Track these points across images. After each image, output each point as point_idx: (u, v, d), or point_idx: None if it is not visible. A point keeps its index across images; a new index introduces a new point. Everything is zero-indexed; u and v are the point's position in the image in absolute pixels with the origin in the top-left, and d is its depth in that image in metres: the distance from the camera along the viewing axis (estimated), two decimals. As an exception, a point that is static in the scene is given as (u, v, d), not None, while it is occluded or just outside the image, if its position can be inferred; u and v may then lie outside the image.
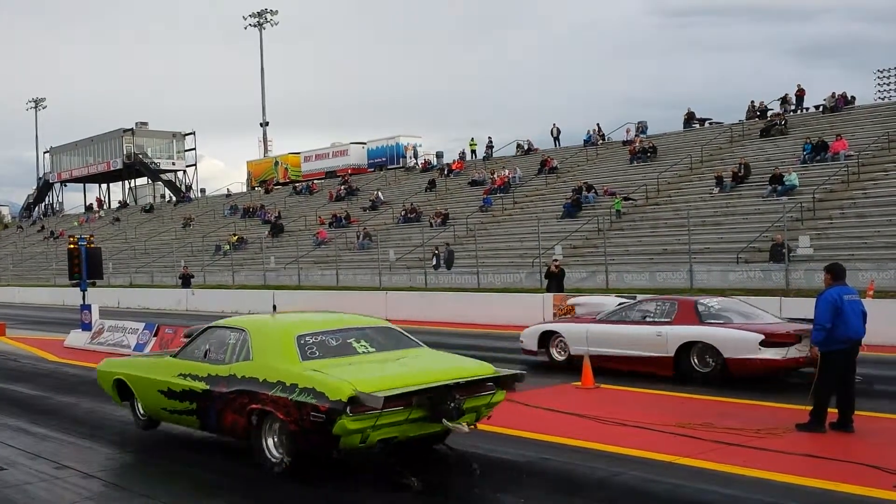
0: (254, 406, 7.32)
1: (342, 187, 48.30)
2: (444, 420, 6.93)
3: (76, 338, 19.09)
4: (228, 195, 60.27)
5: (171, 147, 74.00)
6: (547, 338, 14.07)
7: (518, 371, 8.17)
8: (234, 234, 44.80)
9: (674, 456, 7.77)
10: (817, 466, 7.38)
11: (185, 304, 32.56)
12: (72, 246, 19.40)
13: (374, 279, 30.79)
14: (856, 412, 8.67)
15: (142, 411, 9.24)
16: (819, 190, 26.48)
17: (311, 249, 38.59)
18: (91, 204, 77.65)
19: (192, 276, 36.01)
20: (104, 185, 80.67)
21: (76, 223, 66.69)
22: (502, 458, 7.99)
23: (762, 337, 11.13)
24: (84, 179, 79.01)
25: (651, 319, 12.53)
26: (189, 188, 71.39)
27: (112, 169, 73.56)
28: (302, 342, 7.55)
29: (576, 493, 6.89)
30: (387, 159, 53.75)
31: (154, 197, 72.30)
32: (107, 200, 78.82)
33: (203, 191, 68.82)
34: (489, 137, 47.49)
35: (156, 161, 72.38)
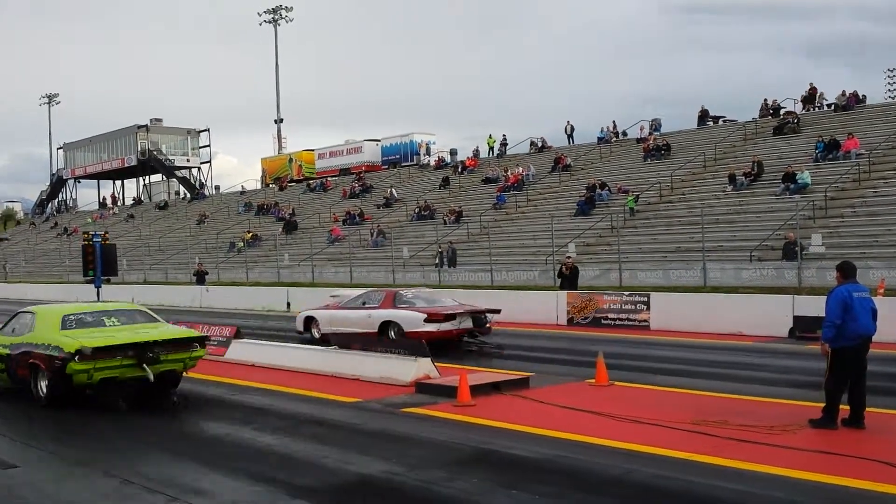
0: (31, 360, 10.94)
1: (356, 184, 48.40)
2: (144, 365, 10.46)
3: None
4: (243, 192, 60.48)
5: (185, 144, 74.31)
6: (309, 321, 18.33)
7: (205, 334, 12.29)
8: (249, 231, 44.97)
9: (688, 453, 7.83)
10: (830, 463, 7.43)
11: (200, 300, 32.69)
12: (86, 242, 19.53)
13: (387, 276, 30.86)
14: (867, 409, 8.71)
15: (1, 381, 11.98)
16: (831, 188, 26.48)
17: (324, 247, 38.68)
18: (105, 200, 78.07)
19: (207, 273, 36.17)
20: (118, 182, 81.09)
21: (90, 220, 67.07)
22: (517, 455, 8.05)
23: (425, 315, 15.90)
24: (98, 176, 79.42)
25: (367, 305, 17.17)
26: (203, 185, 71.71)
27: (126, 165, 73.94)
28: (65, 319, 11.28)
29: (591, 491, 6.94)
30: (401, 156, 53.83)
31: (168, 194, 72.57)
32: (121, 197, 79.24)
33: (217, 188, 69.19)
34: (503, 135, 47.55)
35: (170, 158, 72.74)
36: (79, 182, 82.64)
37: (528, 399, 10.80)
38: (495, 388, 11.35)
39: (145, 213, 64.38)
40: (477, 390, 10.77)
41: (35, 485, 7.46)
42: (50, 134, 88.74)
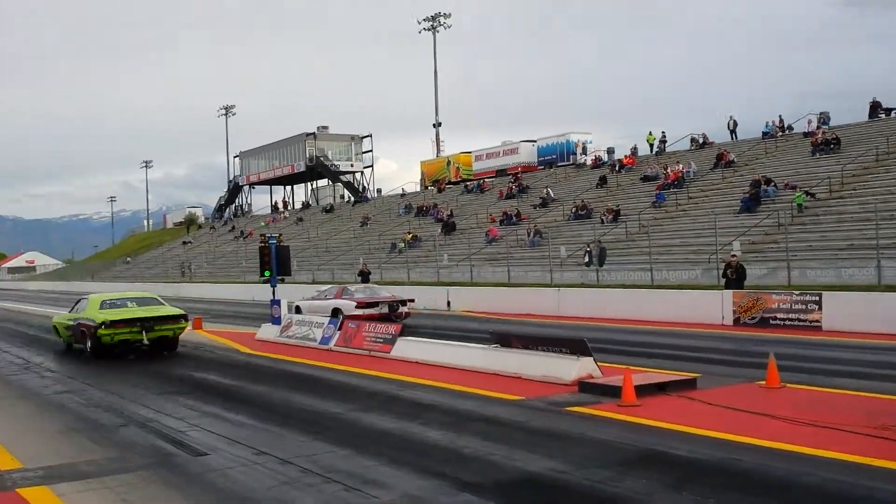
0: (81, 328, 17.17)
1: (513, 185, 48.47)
2: (143, 332, 16.54)
3: (267, 331, 20.07)
4: (403, 195, 61.85)
5: (349, 149, 76.89)
6: (297, 308, 24.60)
7: (185, 313, 17.88)
8: (409, 233, 45.92)
9: (868, 458, 7.43)
10: None
11: (364, 299, 33.60)
12: (262, 244, 20.53)
13: (544, 276, 30.68)
14: None
15: (63, 339, 18.91)
16: None
17: (482, 247, 38.95)
18: (276, 204, 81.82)
19: (370, 273, 37.17)
20: (288, 187, 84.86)
21: (263, 223, 70.45)
22: (684, 457, 7.84)
23: (356, 304, 22.63)
24: (270, 182, 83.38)
25: (326, 297, 24.47)
26: (366, 189, 73.89)
27: (296, 171, 77.29)
28: (102, 303, 17.57)
29: (762, 494, 6.68)
30: (557, 156, 53.45)
31: (334, 197, 75.30)
32: (291, 201, 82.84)
33: (379, 191, 71.04)
34: (662, 132, 46.32)
35: (336, 163, 75.46)
36: (253, 188, 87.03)
37: (696, 400, 10.47)
38: (660, 388, 11.07)
39: (313, 217, 66.95)
40: (641, 390, 10.55)
41: (224, 472, 7.90)
42: (227, 143, 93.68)
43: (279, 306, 20.00)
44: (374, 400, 11.55)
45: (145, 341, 16.94)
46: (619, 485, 7.02)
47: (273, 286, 20.66)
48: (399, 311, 23.04)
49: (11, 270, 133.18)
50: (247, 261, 53.62)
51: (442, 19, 67.86)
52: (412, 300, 23.96)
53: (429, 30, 68.26)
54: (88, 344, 17.03)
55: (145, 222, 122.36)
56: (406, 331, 16.16)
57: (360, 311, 21.88)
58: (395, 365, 14.64)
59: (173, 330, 17.35)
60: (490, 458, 8.11)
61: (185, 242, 78.54)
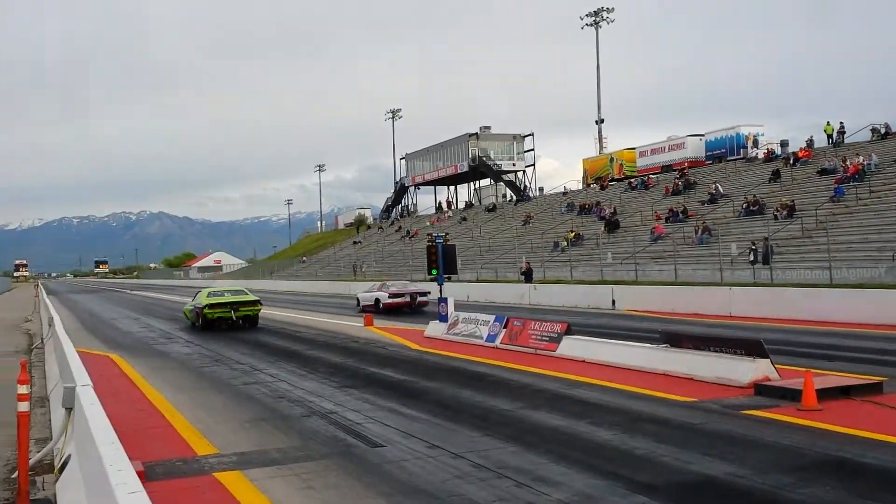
0: (196, 310, 24.92)
1: (679, 181, 47.14)
2: (232, 312, 24.15)
3: (435, 328, 20.47)
4: (565, 193, 61.48)
5: (511, 149, 77.24)
6: (358, 299, 32.85)
7: (258, 298, 26.07)
8: (571, 231, 45.61)
9: None
10: None
11: (528, 298, 33.71)
12: (430, 243, 20.98)
13: (714, 274, 29.68)
14: None
15: (189, 320, 26.04)
16: None
17: (647, 245, 38.12)
18: (440, 204, 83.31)
19: (533, 271, 37.25)
20: (452, 187, 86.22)
21: (428, 223, 71.95)
22: (871, 465, 7.46)
23: (388, 294, 30.13)
24: (434, 182, 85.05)
25: (372, 291, 31.85)
26: (528, 187, 73.97)
27: (459, 172, 78.43)
28: (209, 293, 25.29)
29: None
30: (726, 150, 51.48)
31: (496, 197, 75.89)
32: (454, 201, 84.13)
33: (541, 189, 70.98)
34: (840, 122, 43.67)
35: (498, 162, 76.01)
36: (418, 188, 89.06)
37: (883, 406, 9.85)
38: (844, 392, 10.50)
39: (476, 216, 67.71)
40: (823, 394, 10.05)
41: (400, 463, 8.19)
42: (394, 146, 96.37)
43: (447, 304, 20.33)
44: (542, 398, 11.58)
45: (234, 317, 24.43)
46: (802, 491, 6.74)
47: (440, 284, 21.07)
48: (418, 300, 30.47)
49: (201, 269, 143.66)
50: (413, 259, 54.95)
51: (605, 14, 66.98)
52: (429, 292, 29.50)
53: (591, 25, 67.52)
54: (200, 321, 24.65)
55: (319, 223, 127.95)
56: (572, 329, 16.06)
57: (391, 300, 30.10)
58: (560, 363, 14.61)
59: (252, 311, 24.89)
60: (663, 459, 7.98)
61: (355, 242, 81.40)
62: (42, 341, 21.31)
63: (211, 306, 24.26)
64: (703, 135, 54.56)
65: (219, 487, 7.55)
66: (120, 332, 27.02)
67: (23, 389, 7.35)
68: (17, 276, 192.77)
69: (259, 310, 25.12)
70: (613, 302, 29.27)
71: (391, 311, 29.41)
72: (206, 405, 12.01)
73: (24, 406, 7.28)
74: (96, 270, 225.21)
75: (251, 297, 25.28)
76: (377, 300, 30.43)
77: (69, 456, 7.46)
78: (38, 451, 8.41)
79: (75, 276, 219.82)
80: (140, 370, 16.29)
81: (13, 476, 7.78)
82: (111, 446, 5.48)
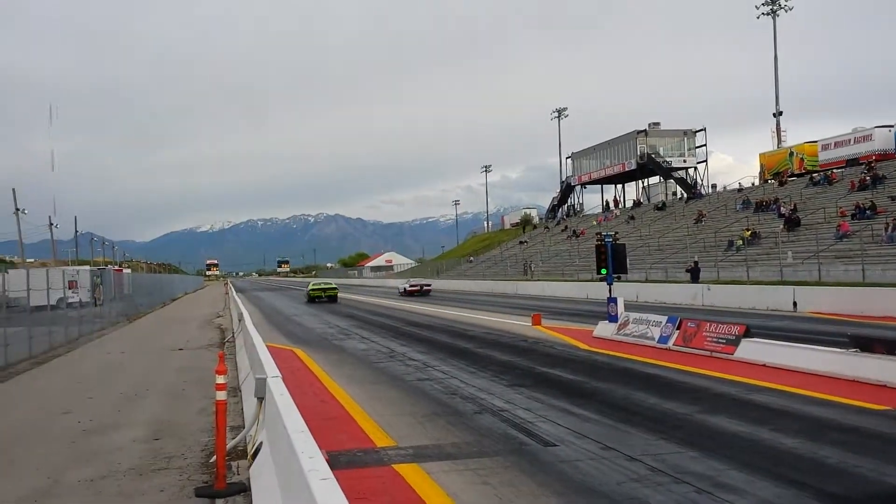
0: (307, 292, 49.66)
1: (866, 175, 44.13)
2: (323, 292, 47.98)
3: (604, 328, 20.16)
4: (740, 189, 58.99)
5: (681, 145, 74.88)
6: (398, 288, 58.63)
7: (336, 285, 53.09)
8: (747, 229, 43.69)
9: None
10: None
11: (701, 299, 32.64)
12: (599, 242, 20.70)
13: (907, 275, 27.60)
14: None
15: (308, 298, 47.99)
16: None
17: (831, 243, 35.94)
18: (607, 204, 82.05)
19: (700, 270, 36.01)
20: (619, 185, 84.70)
21: (594, 222, 71.05)
22: None
23: (409, 285, 55.50)
24: (601, 181, 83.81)
25: (402, 282, 60.22)
26: (699, 184, 71.51)
27: (627, 170, 76.91)
28: (312, 283, 51.69)
29: None
30: (918, 142, 47.73)
31: (666, 194, 73.79)
32: (622, 200, 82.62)
33: (714, 186, 68.41)
34: None
35: (667, 159, 73.87)
36: (584, 187, 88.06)
37: None
38: None
39: (644, 214, 66.19)
40: None
41: (574, 463, 8.14)
42: (559, 145, 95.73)
43: (616, 304, 19.99)
44: (720, 402, 11.19)
45: (324, 296, 45.95)
46: None
47: (609, 284, 20.75)
48: (424, 289, 52.12)
49: (374, 269, 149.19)
50: (580, 259, 54.44)
51: (782, 2, 63.79)
52: (430, 284, 55.23)
53: (768, 14, 64.46)
54: (307, 297, 45.82)
55: (485, 223, 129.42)
56: (751, 332, 15.37)
57: (410, 288, 52.44)
58: (738, 367, 14.04)
59: (332, 292, 46.94)
60: (855, 470, 7.52)
61: (521, 242, 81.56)
62: (233, 335, 22.68)
63: (312, 290, 48.26)
64: (892, 126, 50.80)
65: (398, 479, 7.78)
66: (301, 327, 28.36)
67: (221, 379, 7.85)
68: (208, 275, 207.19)
69: (336, 292, 48.43)
70: (794, 304, 27.81)
71: (411, 295, 51.89)
72: (383, 399, 12.39)
73: (221, 395, 7.77)
74: (278, 269, 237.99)
75: (333, 286, 49.73)
76: (404, 288, 54.46)
77: (261, 443, 7.91)
78: (233, 438, 8.95)
79: (260, 274, 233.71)
80: (321, 364, 17.03)
81: (211, 461, 8.34)
82: (301, 434, 5.77)
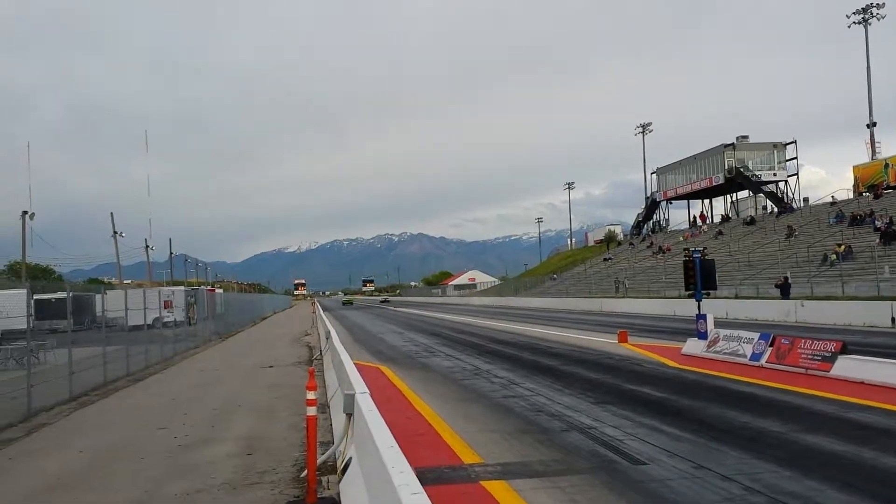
0: (341, 301, 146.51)
1: (969, 186, 42.13)
2: (348, 299, 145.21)
3: (693, 345, 19.77)
4: (833, 203, 57.06)
5: (771, 158, 72.88)
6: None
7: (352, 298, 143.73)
8: (841, 244, 42.18)
9: None
10: None
11: (794, 315, 31.68)
12: (687, 258, 20.34)
13: None
14: None
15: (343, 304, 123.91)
16: None
17: (932, 257, 34.42)
18: (694, 219, 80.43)
19: (790, 286, 34.94)
20: (706, 201, 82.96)
21: (681, 238, 69.69)
22: None
23: (382, 299, 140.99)
24: (688, 196, 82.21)
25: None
26: (790, 198, 69.46)
27: (714, 184, 75.20)
28: (343, 294, 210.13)
29: None
30: None
31: (756, 209, 71.84)
32: (709, 215, 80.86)
33: (806, 200, 66.38)
34: None
35: (756, 173, 72.00)
36: (670, 203, 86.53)
37: None
38: None
39: (733, 230, 64.64)
40: None
41: (665, 482, 7.98)
42: (644, 160, 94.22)
43: (705, 321, 19.57)
44: (817, 420, 10.81)
45: (352, 302, 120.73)
46: None
47: (698, 300, 20.34)
48: (386, 301, 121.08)
49: (457, 287, 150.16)
50: (666, 276, 53.50)
51: (874, 10, 61.71)
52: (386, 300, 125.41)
53: (859, 23, 62.43)
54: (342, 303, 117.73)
55: (568, 241, 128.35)
56: (848, 348, 14.81)
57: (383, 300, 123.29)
58: (835, 384, 13.57)
59: (353, 301, 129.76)
60: (967, 493, 7.14)
61: (605, 259, 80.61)
62: (321, 353, 23.08)
63: (345, 299, 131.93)
64: None
65: (486, 495, 7.75)
66: (386, 345, 28.61)
67: (311, 395, 7.98)
68: (296, 294, 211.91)
69: (352, 300, 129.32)
70: (893, 319, 26.71)
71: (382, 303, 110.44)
72: (469, 416, 12.39)
73: (312, 410, 7.90)
74: (363, 288, 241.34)
75: (352, 298, 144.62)
76: (380, 301, 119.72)
77: (350, 458, 7.99)
78: (323, 454, 9.08)
79: (346, 293, 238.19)
80: (407, 381, 17.16)
81: (302, 475, 8.47)
82: (391, 450, 5.81)
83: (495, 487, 7.99)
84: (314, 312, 61.78)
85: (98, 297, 21.09)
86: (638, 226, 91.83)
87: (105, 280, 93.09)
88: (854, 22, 62.76)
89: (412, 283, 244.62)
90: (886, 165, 56.16)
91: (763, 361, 16.53)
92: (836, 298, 33.27)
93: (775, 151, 72.87)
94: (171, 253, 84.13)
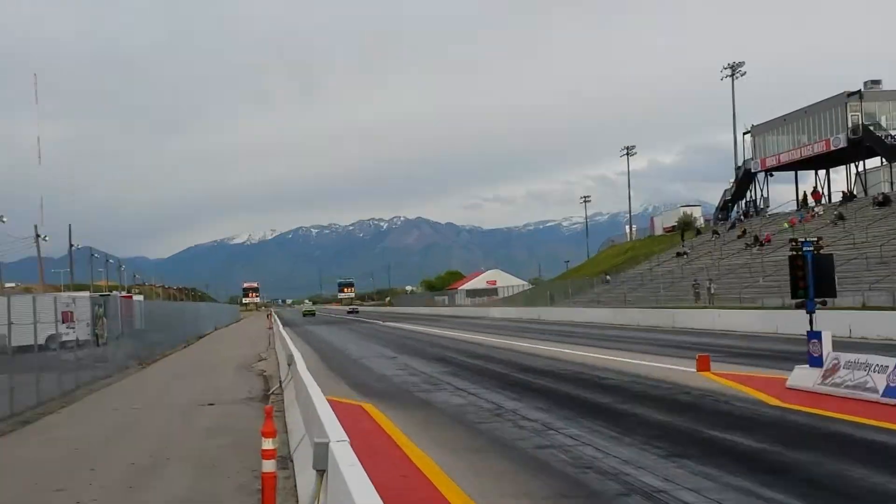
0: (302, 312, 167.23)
1: None
2: (306, 312, 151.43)
3: (803, 375, 19.67)
4: None
5: (914, 112, 72.44)
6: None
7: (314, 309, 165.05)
8: None
9: None
10: None
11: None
12: (794, 252, 20.12)
13: None
14: None
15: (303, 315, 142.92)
16: None
17: None
18: (805, 197, 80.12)
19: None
20: (821, 172, 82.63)
21: (786, 224, 69.50)
22: None
23: (350, 308, 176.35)
24: (795, 165, 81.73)
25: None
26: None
27: (833, 149, 74.64)
28: (304, 309, 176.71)
29: None
30: None
31: (892, 183, 71.35)
32: (825, 192, 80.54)
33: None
34: None
35: (892, 133, 71.37)
36: (770, 175, 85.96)
37: None
38: None
39: (860, 212, 64.47)
40: None
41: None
42: (734, 115, 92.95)
43: (820, 341, 19.48)
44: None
45: (314, 314, 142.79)
46: None
47: (810, 312, 20.25)
48: (356, 311, 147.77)
49: (470, 293, 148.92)
50: (765, 277, 53.42)
51: None
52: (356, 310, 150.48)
53: None
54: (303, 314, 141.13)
55: (626, 228, 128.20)
56: None
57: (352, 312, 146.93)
58: None
59: (315, 313, 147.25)
60: None
61: (679, 254, 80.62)
62: (280, 385, 23.13)
63: (305, 312, 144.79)
64: None
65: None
66: (372, 374, 28.66)
67: (268, 444, 8.02)
68: (246, 303, 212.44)
69: (315, 311, 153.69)
70: None
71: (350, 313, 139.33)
72: (489, 473, 12.43)
73: (269, 465, 7.94)
74: (340, 295, 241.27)
75: (313, 309, 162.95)
76: (347, 311, 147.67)
77: (323, 534, 8.00)
78: (284, 526, 9.10)
79: (314, 302, 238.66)
80: (401, 424, 17.17)
81: (256, 556, 8.51)
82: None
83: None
84: (271, 328, 61.88)
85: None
86: (725, 207, 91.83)
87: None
88: None
89: (408, 288, 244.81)
90: None
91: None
92: None
93: (920, 103, 72.46)
94: (72, 245, 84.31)
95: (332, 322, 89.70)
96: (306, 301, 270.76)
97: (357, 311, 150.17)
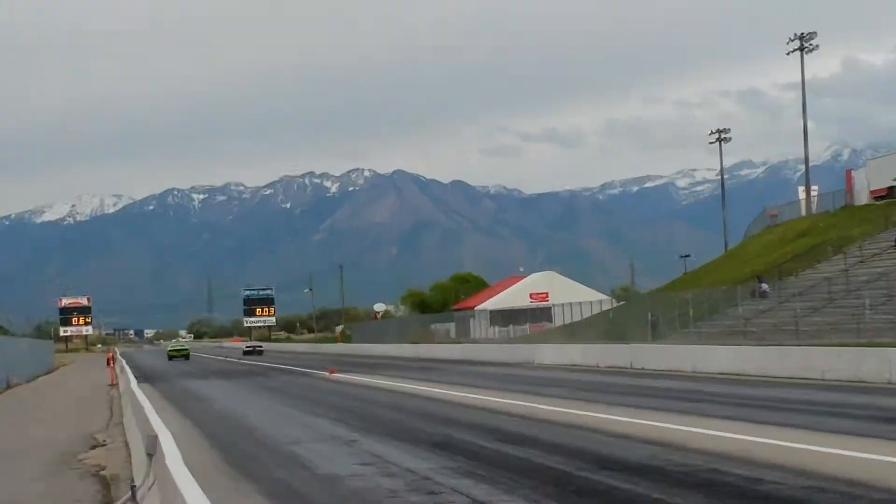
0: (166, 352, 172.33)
1: None
2: (177, 353, 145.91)
3: None
4: None
5: None
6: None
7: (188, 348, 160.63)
8: None
9: None
10: None
11: None
12: None
13: None
14: None
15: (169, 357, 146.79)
16: None
17: None
18: None
19: None
20: None
21: None
22: None
23: (245, 347, 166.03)
24: None
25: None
26: None
27: None
28: (170, 345, 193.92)
29: None
30: None
31: None
32: None
33: None
34: None
35: None
36: None
37: None
38: None
39: None
40: None
41: None
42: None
43: None
44: None
45: (187, 357, 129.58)
46: None
47: None
48: (259, 350, 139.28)
49: (500, 316, 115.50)
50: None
51: None
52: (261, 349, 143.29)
53: None
54: (167, 357, 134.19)
55: (800, 191, 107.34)
56: None
57: (247, 348, 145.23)
58: None
59: (187, 354, 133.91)
60: None
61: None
62: (133, 493, 18.54)
63: (171, 352, 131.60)
64: None
65: None
66: (311, 475, 21.62)
67: None
68: (67, 336, 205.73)
69: (188, 352, 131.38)
70: None
71: (248, 354, 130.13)
72: None
73: None
74: (250, 321, 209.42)
75: (186, 349, 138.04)
76: (244, 349, 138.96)
77: None
78: None
79: (197, 335, 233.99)
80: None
81: None
82: None
83: None
84: (114, 383, 53.10)
85: None
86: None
87: None
88: None
89: (377, 310, 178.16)
90: None
91: None
92: None
93: None
94: None
95: (230, 373, 73.82)
96: (181, 334, 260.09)
97: (261, 351, 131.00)
